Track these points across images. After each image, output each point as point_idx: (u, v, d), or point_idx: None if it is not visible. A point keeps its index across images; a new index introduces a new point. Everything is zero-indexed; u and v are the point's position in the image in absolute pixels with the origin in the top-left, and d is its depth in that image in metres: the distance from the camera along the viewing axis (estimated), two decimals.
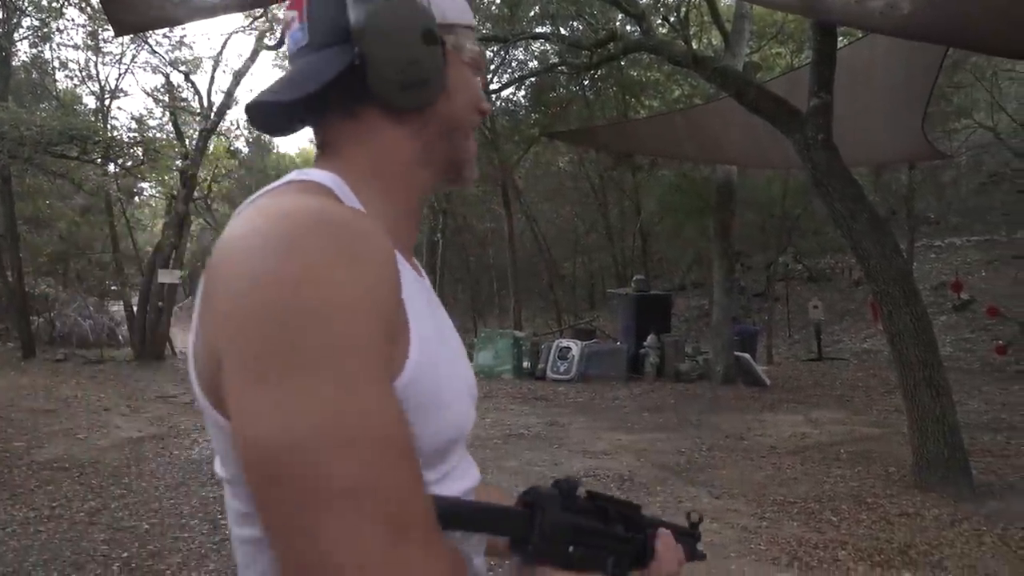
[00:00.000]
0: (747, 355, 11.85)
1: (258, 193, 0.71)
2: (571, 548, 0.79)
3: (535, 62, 17.17)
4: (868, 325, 15.35)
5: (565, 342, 12.53)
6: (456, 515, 0.67)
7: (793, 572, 3.89)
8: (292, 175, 0.73)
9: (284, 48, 0.79)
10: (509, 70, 16.89)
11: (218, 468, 0.70)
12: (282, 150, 37.08)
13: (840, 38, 9.23)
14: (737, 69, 8.41)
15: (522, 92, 17.07)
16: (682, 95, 16.09)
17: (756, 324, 15.98)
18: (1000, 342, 13.04)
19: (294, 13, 0.76)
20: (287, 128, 0.84)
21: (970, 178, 18.74)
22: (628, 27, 12.29)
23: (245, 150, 24.43)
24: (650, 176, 15.41)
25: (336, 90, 0.73)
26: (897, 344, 5.61)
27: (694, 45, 15.22)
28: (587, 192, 17.47)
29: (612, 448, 7.07)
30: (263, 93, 0.76)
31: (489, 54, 16.40)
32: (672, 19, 10.36)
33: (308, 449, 0.53)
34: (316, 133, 0.81)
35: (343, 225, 0.60)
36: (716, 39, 13.22)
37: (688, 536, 1.08)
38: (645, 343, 12.05)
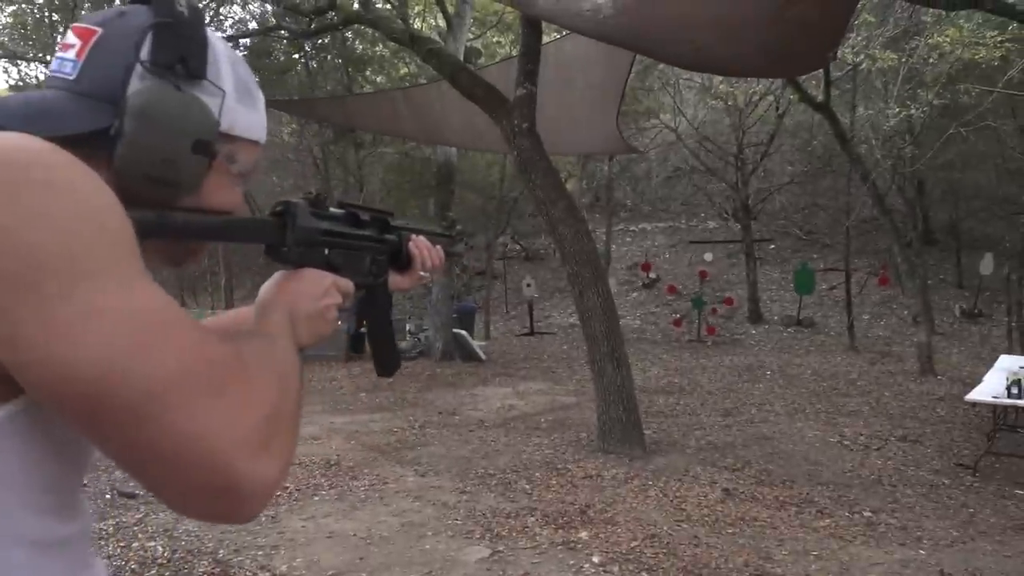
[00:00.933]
0: (464, 332, 12.29)
1: None
2: (327, 251, 0.90)
3: (254, 23, 16.04)
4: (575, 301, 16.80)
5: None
6: (208, 227, 0.77)
7: (484, 543, 4.06)
8: None
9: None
10: (223, 29, 15.55)
11: None
12: None
13: (556, 34, 9.86)
14: (451, 52, 8.53)
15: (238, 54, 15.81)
16: (408, 74, 16.09)
17: (476, 301, 16.67)
18: (676, 316, 15.03)
19: (77, 43, 0.73)
20: None
21: (658, 171, 21.31)
22: None
23: None
24: (372, 153, 15.24)
25: (80, 140, 0.68)
26: (586, 320, 6.12)
27: (419, 26, 15.28)
28: (310, 165, 16.80)
29: (323, 432, 6.87)
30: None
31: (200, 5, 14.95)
32: None
33: (124, 359, 0.57)
34: None
35: (73, 158, 0.61)
36: (442, 22, 13.37)
37: (444, 237, 1.18)
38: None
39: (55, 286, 0.55)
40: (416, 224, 1.13)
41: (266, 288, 0.86)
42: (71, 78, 0.72)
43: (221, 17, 15.92)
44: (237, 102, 0.80)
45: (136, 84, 0.71)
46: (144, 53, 0.71)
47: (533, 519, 4.40)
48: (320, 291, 0.86)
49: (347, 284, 0.91)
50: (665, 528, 4.24)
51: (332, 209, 0.94)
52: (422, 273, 1.10)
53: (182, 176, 0.73)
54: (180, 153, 0.71)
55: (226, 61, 0.80)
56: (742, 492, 4.94)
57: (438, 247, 1.13)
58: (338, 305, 0.89)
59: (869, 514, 4.53)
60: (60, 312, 0.55)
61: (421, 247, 1.08)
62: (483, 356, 11.87)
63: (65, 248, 0.56)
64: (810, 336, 13.97)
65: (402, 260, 1.07)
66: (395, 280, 1.09)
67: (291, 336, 0.82)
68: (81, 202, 0.59)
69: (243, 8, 16.56)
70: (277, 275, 0.88)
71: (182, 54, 0.73)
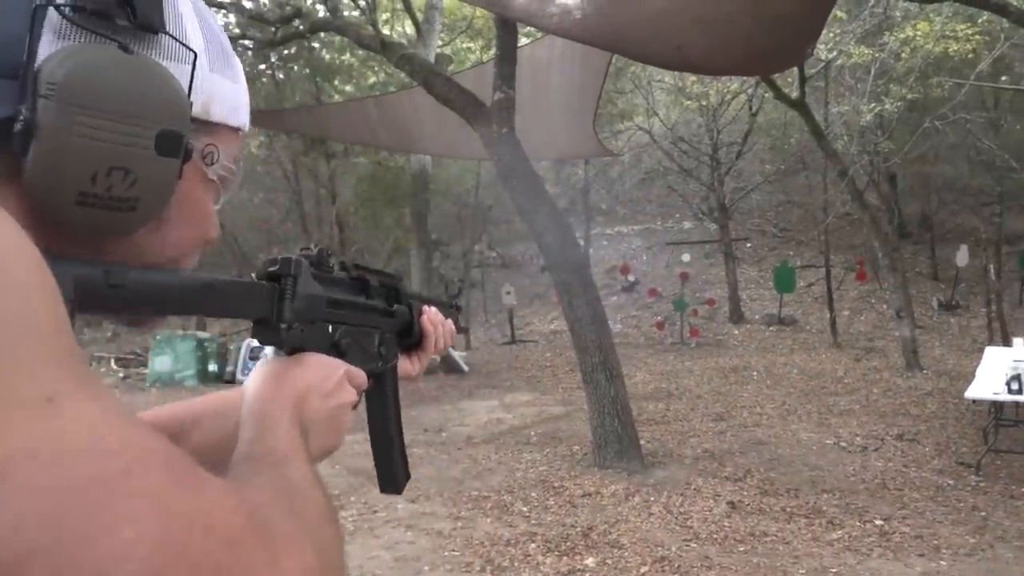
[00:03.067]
0: None
1: None
2: (331, 328, 0.68)
3: None
4: (555, 307, 16.61)
5: (257, 341, 11.60)
6: (179, 293, 0.52)
7: None
8: None
9: None
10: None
11: None
12: None
13: (526, 38, 9.69)
14: (424, 58, 8.31)
15: None
16: (378, 82, 15.83)
17: None
18: (659, 319, 14.92)
19: None
20: None
21: (632, 174, 21.25)
22: (317, 6, 11.65)
23: None
24: (344, 163, 14.95)
25: None
26: (576, 330, 5.92)
27: (388, 33, 15.04)
28: (280, 178, 16.45)
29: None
30: None
31: None
32: (361, 2, 9.99)
33: (50, 542, 0.32)
34: None
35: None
36: (410, 29, 13.15)
37: (451, 308, 1.00)
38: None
39: None
40: (424, 294, 0.92)
41: (261, 380, 0.61)
42: None
43: None
44: (212, 70, 0.54)
45: (52, 43, 0.44)
46: None
47: (534, 545, 4.18)
48: (331, 385, 0.63)
49: (360, 375, 0.68)
50: (674, 549, 4.04)
51: (336, 272, 0.72)
52: (432, 355, 0.89)
53: (142, 192, 0.47)
54: (136, 154, 0.46)
55: (190, 8, 0.53)
56: (747, 504, 4.76)
57: (448, 321, 0.91)
58: (352, 404, 0.66)
59: (881, 522, 4.37)
60: None
61: (435, 322, 0.87)
62: (466, 367, 11.62)
63: None
64: (792, 334, 13.92)
65: (413, 337, 0.85)
66: (403, 365, 0.86)
67: (307, 453, 0.56)
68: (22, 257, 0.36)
69: None
70: (271, 364, 0.63)
71: None
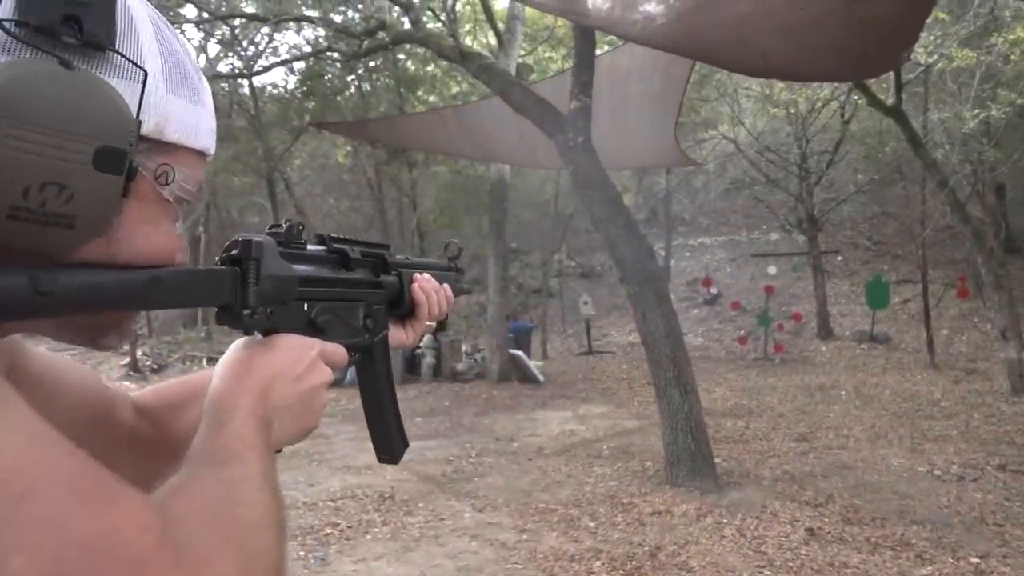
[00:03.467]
0: (521, 353, 12.02)
1: None
2: (306, 307, 0.65)
3: (308, 48, 16.25)
4: (633, 319, 16.43)
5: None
6: (120, 291, 0.50)
7: None
8: None
9: None
10: (277, 55, 15.83)
11: None
12: None
13: (607, 46, 9.60)
14: (502, 67, 8.35)
15: (293, 79, 16.09)
16: (460, 92, 16.03)
17: (532, 320, 16.39)
18: (742, 333, 14.47)
19: None
20: None
21: (717, 184, 20.74)
22: (401, 18, 11.91)
23: None
24: (425, 172, 15.20)
25: None
26: (650, 344, 5.78)
27: (471, 43, 15.22)
28: (364, 186, 16.88)
29: (376, 462, 6.66)
30: None
31: (255, 35, 15.22)
32: (442, 14, 10.14)
33: None
34: None
35: None
36: (493, 39, 13.27)
37: (449, 271, 0.95)
38: (421, 343, 11.78)
39: None
40: (415, 259, 0.89)
41: (224, 369, 0.60)
42: None
43: (275, 44, 16.24)
44: (169, 90, 0.53)
45: None
46: (4, 8, 0.45)
47: (599, 563, 4.07)
48: (302, 368, 0.61)
49: (338, 352, 0.67)
50: (746, 575, 3.86)
51: (311, 247, 0.69)
52: (428, 323, 0.87)
53: (78, 208, 0.46)
54: (72, 170, 0.45)
55: (148, 27, 0.52)
56: (828, 532, 4.50)
57: (445, 286, 0.88)
58: (327, 384, 0.64)
59: (977, 560, 4.05)
60: None
61: (427, 290, 0.85)
62: (541, 377, 11.57)
63: None
64: (885, 353, 13.23)
65: (404, 307, 0.82)
66: (396, 334, 0.84)
67: (265, 447, 0.55)
68: None
69: (297, 34, 16.82)
70: (238, 345, 0.62)
71: (70, 11, 0.45)
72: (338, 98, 13.79)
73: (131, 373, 12.69)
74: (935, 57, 10.63)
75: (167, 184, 0.54)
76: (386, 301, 0.80)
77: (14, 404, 0.37)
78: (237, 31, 14.74)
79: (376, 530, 4.77)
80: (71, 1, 0.45)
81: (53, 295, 0.45)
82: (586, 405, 9.60)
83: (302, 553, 4.32)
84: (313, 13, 12.55)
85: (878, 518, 4.76)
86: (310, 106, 14.69)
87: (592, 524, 4.78)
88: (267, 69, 14.63)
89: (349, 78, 14.32)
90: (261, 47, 15.69)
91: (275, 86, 16.78)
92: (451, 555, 4.30)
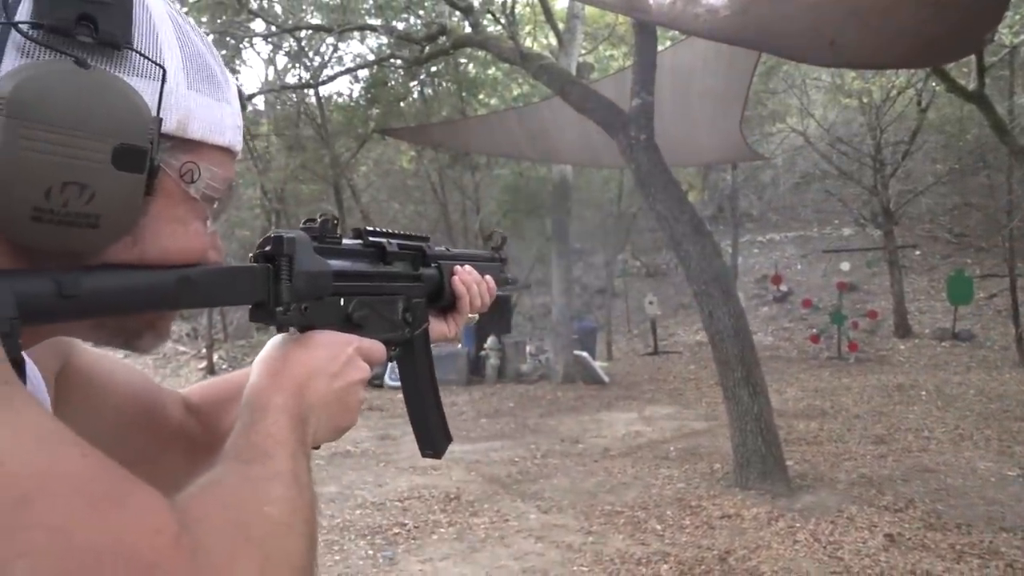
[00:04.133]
0: (586, 354, 11.95)
1: None
2: (343, 302, 0.64)
3: (372, 56, 16.58)
4: (699, 318, 16.14)
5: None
6: (149, 292, 0.50)
7: None
8: None
9: None
10: (341, 64, 16.19)
11: None
12: None
13: (667, 42, 9.46)
14: (562, 67, 8.32)
15: (358, 87, 16.43)
16: (521, 95, 16.06)
17: (596, 321, 16.28)
18: (814, 331, 14.02)
19: None
20: None
21: (786, 178, 20.16)
22: (461, 23, 12.02)
23: None
24: (488, 175, 15.28)
25: None
26: (717, 343, 5.66)
27: (531, 44, 15.23)
28: (428, 191, 17.09)
29: (443, 462, 6.72)
30: None
31: (320, 45, 15.60)
32: (501, 17, 10.18)
33: None
34: None
35: None
36: (553, 40, 13.25)
37: (492, 262, 0.95)
38: (486, 345, 11.85)
39: None
40: (457, 250, 0.88)
41: (260, 366, 0.60)
42: None
43: (340, 53, 16.58)
44: (190, 87, 0.52)
45: (15, 61, 0.45)
46: (22, 11, 0.45)
47: (667, 567, 4.01)
48: (338, 364, 0.61)
49: (376, 348, 0.66)
50: None
51: (346, 241, 0.69)
52: (471, 315, 0.86)
53: (101, 207, 0.46)
54: (92, 169, 0.45)
55: (168, 25, 0.52)
56: (909, 538, 4.31)
57: (487, 277, 0.87)
58: (365, 380, 0.63)
59: None
60: None
61: (468, 282, 0.83)
62: (606, 378, 11.47)
63: None
64: (969, 351, 12.59)
65: (444, 299, 0.82)
66: (437, 327, 0.83)
67: (298, 445, 0.54)
68: None
69: (361, 43, 17.15)
70: (274, 342, 0.62)
71: (85, 11, 0.45)
72: (401, 104, 14.00)
73: (208, 376, 13.18)
74: (1021, 37, 10.07)
75: (193, 182, 0.54)
76: (426, 294, 0.79)
77: (23, 404, 0.37)
78: (303, 42, 15.14)
79: (442, 530, 4.81)
80: (84, 2, 0.46)
81: (78, 298, 0.45)
82: (652, 406, 9.47)
83: (371, 552, 4.40)
84: (376, 22, 12.80)
85: (963, 524, 4.54)
86: (374, 113, 14.98)
87: (659, 527, 4.70)
88: (332, 78, 14.99)
89: (411, 84, 14.54)
90: (326, 57, 16.07)
91: (340, 95, 17.20)
92: (516, 556, 4.30)
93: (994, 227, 13.81)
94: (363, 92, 14.62)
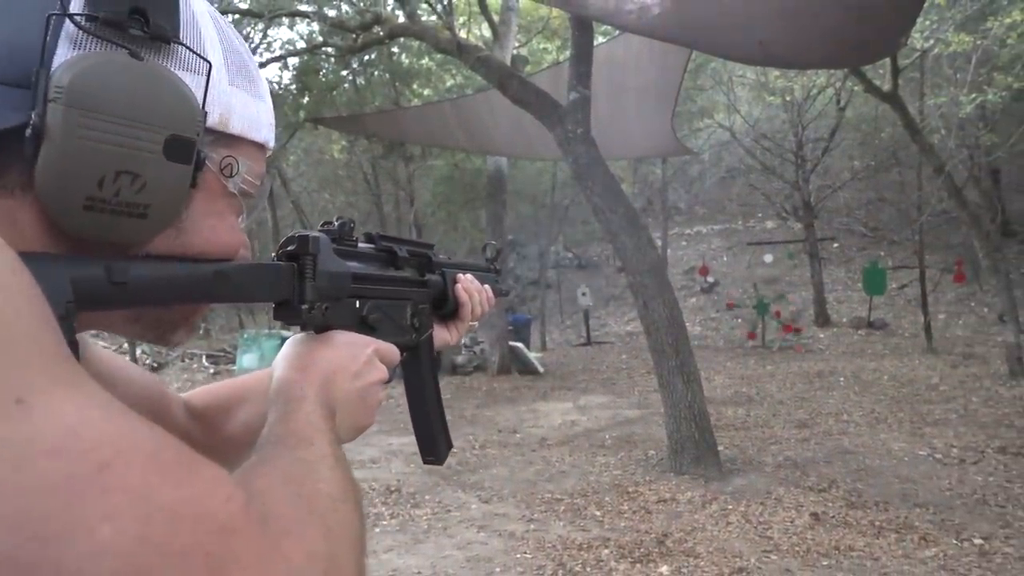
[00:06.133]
0: (520, 344, 12.05)
1: None
2: (358, 304, 0.66)
3: (302, 43, 16.17)
4: (631, 308, 16.43)
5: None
6: (189, 282, 0.51)
7: None
8: None
9: None
10: (271, 51, 15.74)
11: None
12: None
13: (603, 37, 9.59)
14: (500, 60, 8.33)
15: (288, 75, 16.01)
16: (455, 85, 15.98)
17: (530, 312, 16.42)
18: (751, 331, 14.40)
19: None
20: None
21: (712, 173, 20.75)
22: (396, 12, 11.86)
23: None
24: (422, 166, 15.19)
25: None
26: (652, 332, 5.80)
27: (465, 36, 15.17)
28: (360, 181, 16.83)
29: (382, 455, 6.70)
30: None
31: (248, 31, 15.12)
32: (437, 6, 10.11)
33: (15, 538, 0.31)
34: None
35: None
36: (487, 31, 13.23)
37: (488, 273, 0.97)
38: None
39: None
40: (459, 259, 0.90)
41: (286, 361, 0.61)
42: None
43: (269, 39, 16.12)
44: (231, 83, 0.54)
45: (68, 52, 0.45)
46: (75, 4, 0.45)
47: (607, 551, 4.11)
48: (360, 364, 0.62)
49: (392, 351, 0.67)
50: (753, 560, 3.90)
51: (361, 244, 0.70)
52: (471, 323, 0.87)
53: (151, 197, 0.47)
54: (144, 159, 0.46)
55: (209, 20, 0.53)
56: (832, 516, 4.55)
57: (486, 287, 0.89)
58: (383, 381, 0.65)
59: (980, 541, 4.09)
60: None
61: (471, 290, 0.86)
62: (541, 368, 11.60)
63: None
64: (883, 339, 13.29)
65: (448, 306, 0.83)
66: (440, 334, 0.85)
67: (333, 435, 0.56)
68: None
69: (291, 29, 16.73)
70: (296, 340, 0.63)
71: (137, 4, 0.46)
72: (333, 93, 13.73)
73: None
74: (931, 42, 10.65)
75: (231, 176, 0.54)
76: (431, 300, 0.80)
77: (84, 381, 0.38)
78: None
79: (384, 523, 4.80)
80: None
81: (127, 285, 0.46)
82: (587, 395, 9.64)
83: None
84: (307, 8, 12.50)
85: (881, 502, 4.81)
86: (305, 102, 14.64)
87: (599, 513, 4.81)
88: (262, 66, 14.56)
89: (344, 73, 14.27)
90: (255, 43, 15.60)
91: (269, 82, 16.69)
92: (460, 546, 4.34)
93: (905, 221, 14.56)
94: (293, 80, 14.26)
